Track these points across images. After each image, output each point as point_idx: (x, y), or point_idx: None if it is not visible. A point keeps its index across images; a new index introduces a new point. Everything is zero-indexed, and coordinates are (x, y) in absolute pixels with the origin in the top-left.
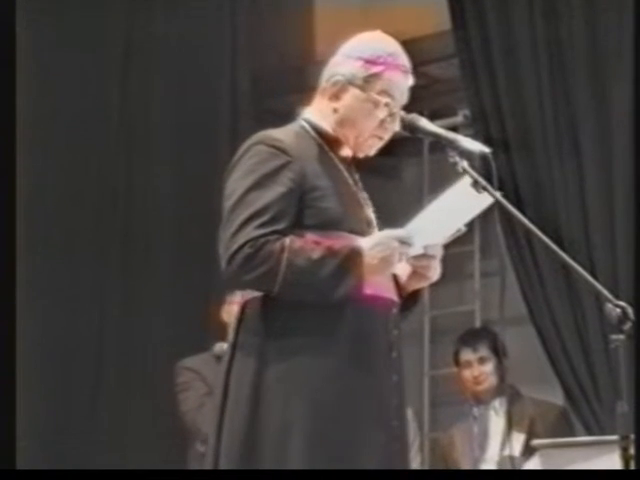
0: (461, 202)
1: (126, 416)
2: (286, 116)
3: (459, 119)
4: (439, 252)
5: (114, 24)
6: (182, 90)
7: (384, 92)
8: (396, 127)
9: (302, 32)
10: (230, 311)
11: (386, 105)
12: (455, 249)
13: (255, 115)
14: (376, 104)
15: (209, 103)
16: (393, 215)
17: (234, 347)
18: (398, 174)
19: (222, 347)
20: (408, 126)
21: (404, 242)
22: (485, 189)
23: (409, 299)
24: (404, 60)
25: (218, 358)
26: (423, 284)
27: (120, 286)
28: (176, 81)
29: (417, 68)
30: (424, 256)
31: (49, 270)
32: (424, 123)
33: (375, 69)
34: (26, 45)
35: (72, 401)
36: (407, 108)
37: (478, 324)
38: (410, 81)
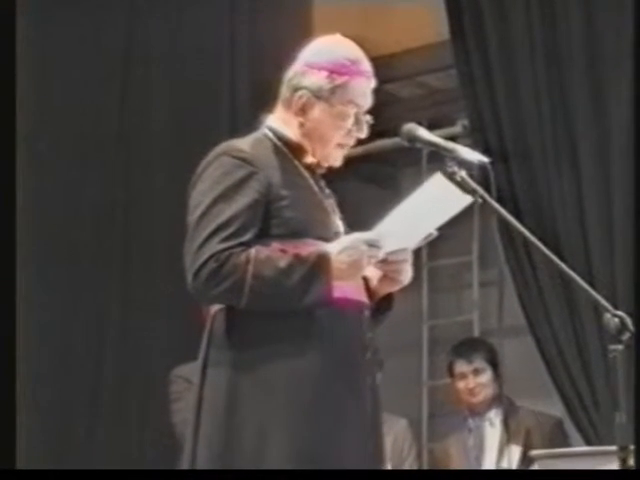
0: (434, 202)
1: (126, 417)
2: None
3: (457, 129)
4: (409, 256)
5: (113, 33)
6: (181, 101)
7: (350, 102)
8: (362, 134)
9: (301, 42)
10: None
11: (353, 115)
12: (454, 259)
13: (254, 126)
14: (343, 116)
15: (208, 115)
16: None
17: (205, 362)
18: (396, 184)
19: None
20: (406, 136)
21: (373, 245)
22: (483, 199)
23: (382, 303)
24: (367, 65)
25: None
26: (394, 288)
27: (120, 293)
28: (175, 93)
29: (415, 78)
30: (391, 261)
31: (50, 276)
32: (422, 133)
33: (340, 80)
34: (26, 47)
35: (73, 403)
36: (406, 118)
37: (477, 334)
38: (373, 84)
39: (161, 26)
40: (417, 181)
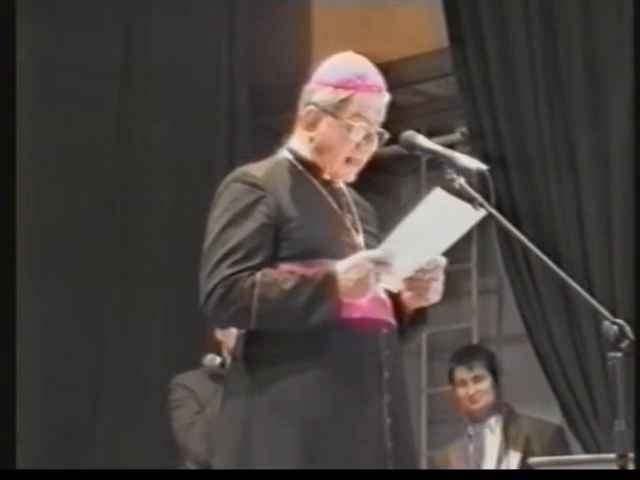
0: (439, 216)
1: (125, 420)
2: (283, 133)
3: (456, 136)
4: (440, 274)
5: (113, 37)
6: (180, 107)
7: (357, 115)
8: (374, 147)
9: (299, 50)
10: (223, 330)
11: (361, 128)
12: (452, 266)
13: (252, 132)
14: (349, 129)
15: (207, 120)
16: (390, 233)
17: (226, 388)
18: (395, 192)
19: (213, 359)
20: (405, 143)
21: (380, 262)
22: (482, 206)
23: (416, 318)
24: (375, 79)
25: (210, 376)
26: (421, 304)
27: (119, 301)
28: (174, 98)
29: (414, 85)
30: (419, 278)
31: (49, 282)
32: (421, 140)
33: (345, 94)
34: (26, 47)
35: (72, 403)
36: (405, 125)
37: (476, 341)
38: (385, 98)
39: (160, 29)
40: (416, 189)
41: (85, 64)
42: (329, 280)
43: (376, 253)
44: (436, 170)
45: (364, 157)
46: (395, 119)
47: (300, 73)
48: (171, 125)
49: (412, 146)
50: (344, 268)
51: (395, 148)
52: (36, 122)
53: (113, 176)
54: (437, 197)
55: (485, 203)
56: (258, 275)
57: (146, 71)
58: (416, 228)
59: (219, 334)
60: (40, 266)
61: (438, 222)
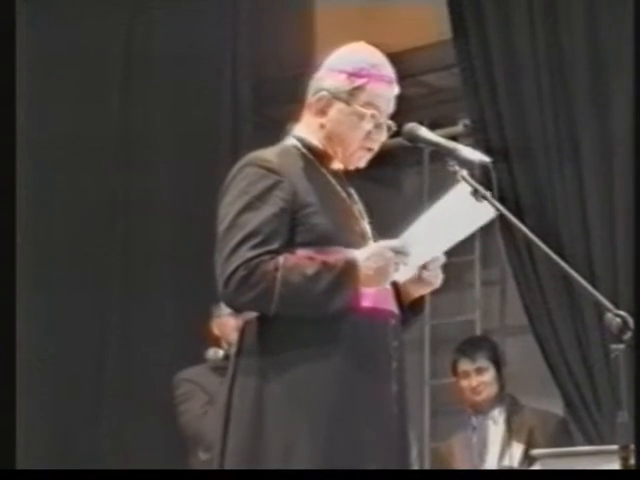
0: (459, 209)
1: (127, 419)
2: (286, 124)
3: (459, 128)
4: (441, 259)
5: (114, 33)
6: (183, 100)
7: (369, 104)
8: (383, 137)
9: (302, 41)
10: (220, 324)
11: (372, 116)
12: (456, 258)
13: (255, 123)
14: (361, 116)
15: (210, 112)
16: (394, 225)
17: (234, 371)
18: (398, 184)
19: (216, 352)
20: (408, 135)
21: (399, 252)
22: (485, 198)
23: (415, 305)
24: (388, 70)
25: (214, 369)
26: (427, 290)
27: (121, 296)
28: (177, 91)
29: (417, 77)
30: (433, 267)
31: (50, 277)
32: (424, 132)
33: (359, 82)
34: (26, 47)
35: (73, 402)
36: (408, 117)
37: (479, 333)
38: (395, 90)
39: (163, 25)
40: (419, 181)
41: (86, 59)
42: (350, 267)
43: (395, 242)
44: (439, 162)
45: (374, 146)
46: (398, 111)
47: (303, 64)
48: (174, 119)
49: (415, 138)
50: (364, 256)
51: (398, 140)
52: (37, 117)
53: (116, 173)
54: (461, 191)
55: (488, 195)
56: (280, 259)
57: (149, 64)
58: (436, 220)
59: (216, 329)
60: (40, 266)
61: (456, 215)
